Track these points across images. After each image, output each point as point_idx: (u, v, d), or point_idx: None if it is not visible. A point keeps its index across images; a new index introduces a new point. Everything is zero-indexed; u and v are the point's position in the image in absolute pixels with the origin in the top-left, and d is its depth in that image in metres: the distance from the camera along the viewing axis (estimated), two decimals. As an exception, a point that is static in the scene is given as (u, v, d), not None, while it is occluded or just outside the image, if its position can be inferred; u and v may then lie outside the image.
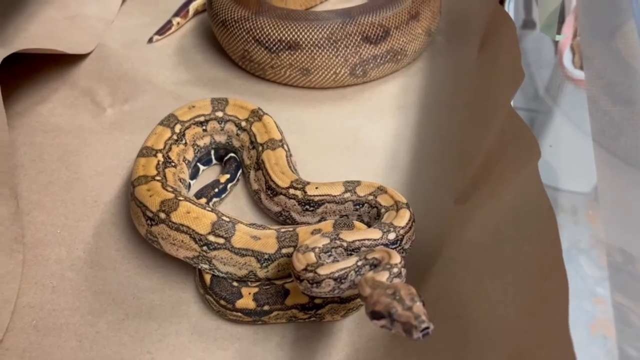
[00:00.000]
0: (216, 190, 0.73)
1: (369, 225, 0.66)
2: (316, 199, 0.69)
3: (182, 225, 0.62)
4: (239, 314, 0.62)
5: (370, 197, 0.68)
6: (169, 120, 0.76)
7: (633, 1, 0.56)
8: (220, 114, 0.78)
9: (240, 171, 0.78)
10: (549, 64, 0.85)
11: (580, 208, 0.66)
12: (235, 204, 0.76)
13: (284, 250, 0.62)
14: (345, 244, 0.59)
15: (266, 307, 0.61)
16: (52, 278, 0.67)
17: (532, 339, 0.44)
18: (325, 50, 0.84)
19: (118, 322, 0.63)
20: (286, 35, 0.84)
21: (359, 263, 0.55)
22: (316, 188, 0.70)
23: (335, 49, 0.84)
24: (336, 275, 0.54)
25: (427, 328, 0.44)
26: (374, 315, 0.47)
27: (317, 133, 0.85)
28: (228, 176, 0.75)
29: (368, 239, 0.60)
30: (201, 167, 0.79)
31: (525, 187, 0.52)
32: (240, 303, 0.61)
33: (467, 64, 0.92)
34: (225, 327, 0.63)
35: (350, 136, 0.85)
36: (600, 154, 0.70)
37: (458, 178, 0.75)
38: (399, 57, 0.90)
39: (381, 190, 0.68)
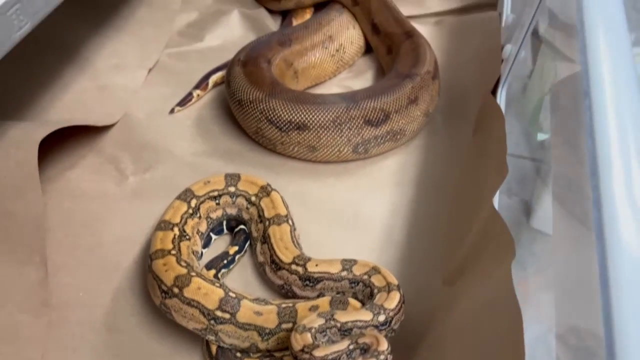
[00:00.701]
0: (225, 262, 0.80)
1: (363, 303, 0.72)
2: (315, 275, 0.75)
3: (193, 300, 0.69)
4: (241, 383, 0.68)
5: (365, 277, 0.74)
6: (186, 195, 0.84)
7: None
8: (232, 189, 0.86)
9: (248, 242, 0.85)
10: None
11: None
12: (242, 273, 0.83)
13: (283, 325, 0.69)
14: (339, 325, 0.66)
15: (265, 379, 0.67)
16: (73, 339, 0.74)
17: None
18: (330, 132, 0.92)
19: (131, 385, 0.69)
20: (295, 117, 0.92)
21: (351, 347, 0.61)
22: (316, 265, 0.76)
23: (339, 131, 0.92)
24: (329, 358, 0.60)
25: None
26: (359, 401, 0.54)
27: (321, 206, 0.92)
28: (236, 248, 0.83)
29: (360, 321, 0.66)
30: (213, 237, 0.87)
31: (499, 285, 0.58)
32: (242, 373, 0.68)
33: (462, 145, 0.99)
34: (228, 395, 0.69)
35: (351, 210, 0.92)
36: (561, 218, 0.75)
37: (447, 258, 0.81)
38: (398, 136, 0.97)
39: (375, 270, 0.75)
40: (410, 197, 0.93)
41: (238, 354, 0.69)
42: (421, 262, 0.83)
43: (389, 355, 0.59)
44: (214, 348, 0.70)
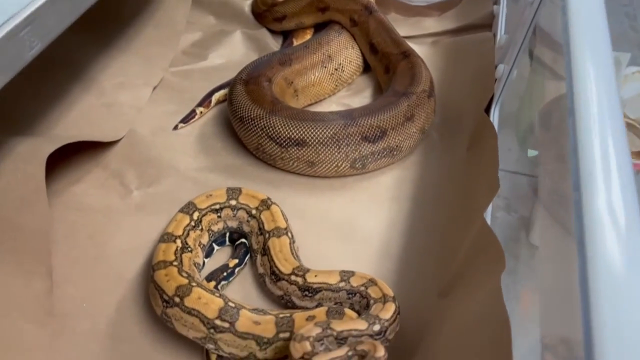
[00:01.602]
0: (225, 274, 0.82)
1: (359, 314, 0.74)
2: (314, 286, 0.77)
3: (194, 309, 0.71)
4: (239, 392, 0.69)
5: (362, 288, 0.76)
6: (188, 208, 0.86)
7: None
8: (233, 202, 0.88)
9: (248, 256, 0.87)
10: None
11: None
12: (242, 285, 0.85)
13: (281, 335, 0.71)
14: (335, 333, 0.68)
15: (263, 387, 0.69)
16: (76, 349, 0.76)
17: None
18: (328, 148, 0.95)
19: (132, 394, 0.71)
20: (295, 133, 0.95)
21: (349, 353, 0.63)
22: (315, 276, 0.78)
23: (337, 147, 0.95)
24: (327, 364, 0.62)
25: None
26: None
27: (319, 220, 0.94)
28: (236, 261, 0.85)
29: (355, 330, 0.68)
30: (216, 247, 0.89)
31: (489, 297, 0.60)
32: (240, 382, 0.69)
33: (457, 161, 1.02)
34: (227, 404, 0.70)
35: (349, 223, 0.94)
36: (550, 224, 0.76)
37: (442, 271, 0.83)
38: (395, 152, 1.00)
39: (372, 282, 0.77)
40: (406, 211, 0.96)
41: (237, 363, 0.71)
42: (417, 275, 0.85)
43: (384, 362, 0.61)
44: (213, 357, 0.72)
